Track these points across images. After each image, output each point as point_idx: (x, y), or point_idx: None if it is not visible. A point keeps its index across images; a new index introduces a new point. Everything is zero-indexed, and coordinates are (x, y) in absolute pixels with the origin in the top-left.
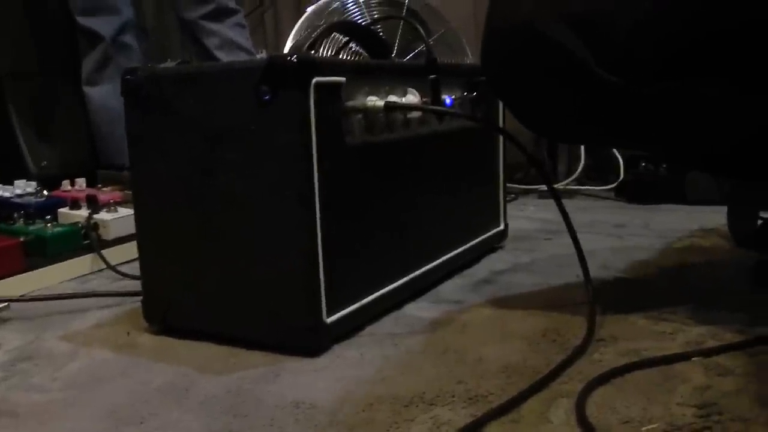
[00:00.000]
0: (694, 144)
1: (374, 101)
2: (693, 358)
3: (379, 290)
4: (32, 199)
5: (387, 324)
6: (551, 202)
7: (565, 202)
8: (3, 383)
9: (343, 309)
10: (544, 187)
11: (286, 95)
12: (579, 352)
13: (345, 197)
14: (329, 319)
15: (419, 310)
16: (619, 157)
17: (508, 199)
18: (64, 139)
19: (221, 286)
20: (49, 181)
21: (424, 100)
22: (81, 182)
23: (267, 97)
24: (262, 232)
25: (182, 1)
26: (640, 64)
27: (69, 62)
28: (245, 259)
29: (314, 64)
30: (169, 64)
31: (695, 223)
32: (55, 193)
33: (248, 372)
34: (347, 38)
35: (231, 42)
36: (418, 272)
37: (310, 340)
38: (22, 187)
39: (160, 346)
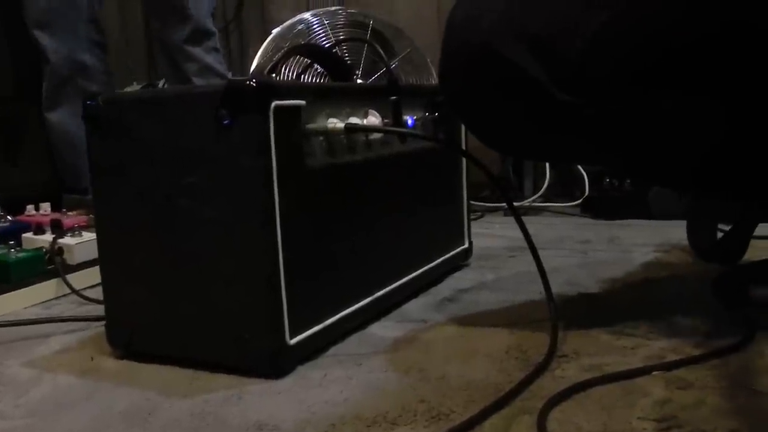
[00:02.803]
0: (651, 160)
1: (335, 123)
2: (654, 373)
3: (342, 311)
4: None
5: (351, 344)
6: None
7: (532, 218)
8: None
9: (306, 330)
10: None
11: (246, 119)
12: (541, 368)
13: (307, 220)
14: (292, 341)
15: (383, 329)
16: (584, 174)
17: (474, 217)
18: (28, 163)
19: (184, 310)
20: (14, 206)
21: (386, 121)
22: (45, 207)
23: (226, 122)
24: (224, 256)
25: (162, 21)
26: (596, 83)
27: (31, 84)
28: (208, 283)
29: (273, 88)
30: (134, 87)
31: (659, 237)
32: (20, 217)
33: (212, 395)
34: (309, 60)
35: (208, 68)
36: (381, 292)
37: (274, 363)
38: None
39: (124, 371)
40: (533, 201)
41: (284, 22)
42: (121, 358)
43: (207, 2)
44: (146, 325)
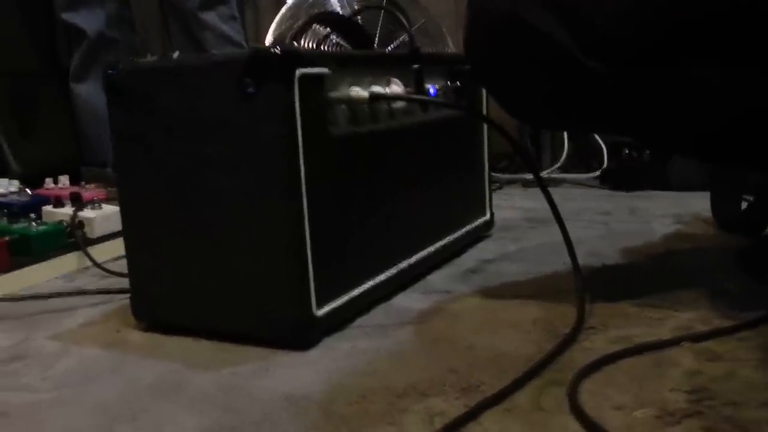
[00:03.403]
0: (679, 128)
1: (358, 92)
2: (683, 344)
3: (368, 282)
4: (16, 198)
5: (377, 315)
6: (536, 190)
7: (551, 190)
8: None
9: (333, 301)
10: (529, 176)
11: (270, 88)
12: (570, 340)
13: (331, 189)
14: (319, 312)
15: (409, 300)
16: (603, 145)
17: (492, 188)
18: (47, 137)
19: (210, 282)
20: (32, 180)
21: (408, 89)
22: (64, 180)
23: (251, 90)
24: (248, 227)
25: None
26: (623, 49)
27: (51, 59)
28: (233, 255)
29: (298, 56)
30: (150, 59)
31: (680, 208)
32: (39, 191)
33: (239, 367)
34: (328, 30)
35: (224, 37)
36: (406, 263)
37: (301, 334)
38: (5, 186)
39: (150, 343)
40: (551, 172)
41: None
42: (147, 330)
43: None
44: (170, 297)
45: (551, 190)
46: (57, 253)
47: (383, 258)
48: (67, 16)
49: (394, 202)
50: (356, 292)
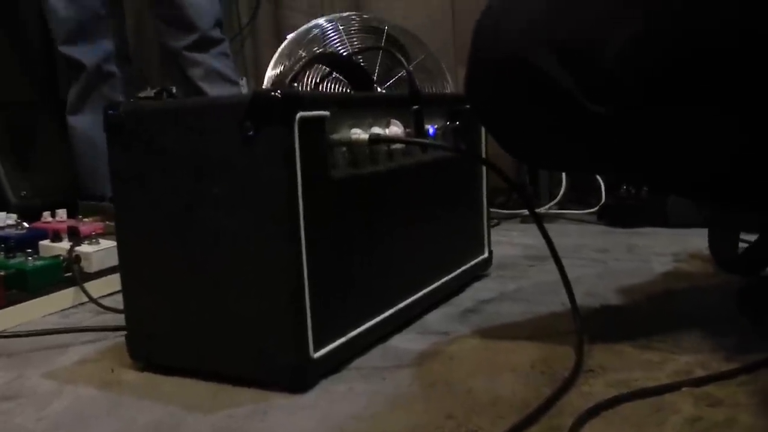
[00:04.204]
0: (679, 170)
1: (359, 134)
2: (683, 389)
3: (365, 323)
4: (13, 232)
5: (374, 357)
6: (534, 227)
7: (548, 226)
8: None
9: (331, 343)
10: (526, 212)
11: (271, 131)
12: (568, 384)
13: (331, 231)
14: (316, 355)
15: (406, 341)
16: (601, 181)
17: (492, 224)
18: (45, 169)
19: (207, 323)
20: (29, 212)
21: (407, 130)
22: (62, 213)
23: (251, 133)
24: (247, 268)
25: (166, 30)
26: (625, 92)
27: (49, 91)
28: (231, 295)
29: (298, 99)
30: (148, 92)
31: (678, 246)
32: (36, 224)
33: (236, 410)
34: (329, 69)
35: (215, 72)
36: (403, 303)
37: (298, 377)
38: (2, 219)
39: (145, 383)
40: (549, 208)
41: (299, 27)
42: (142, 370)
43: (211, 13)
44: (167, 336)
45: (549, 226)
46: (53, 289)
47: (381, 298)
48: (65, 50)
49: (393, 242)
50: (354, 333)
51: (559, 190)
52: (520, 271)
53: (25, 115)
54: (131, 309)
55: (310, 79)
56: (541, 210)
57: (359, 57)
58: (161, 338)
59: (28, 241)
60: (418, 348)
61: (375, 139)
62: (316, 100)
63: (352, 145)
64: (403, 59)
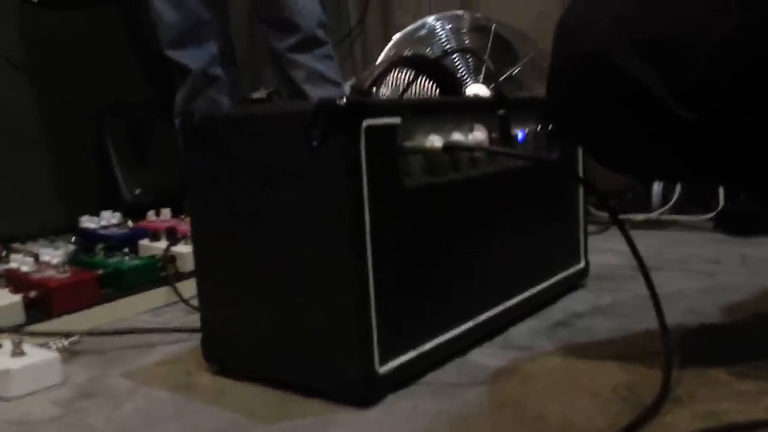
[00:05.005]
0: None
1: (432, 142)
2: None
3: (439, 337)
4: (115, 231)
5: (448, 372)
6: (643, 233)
7: (659, 233)
8: (60, 421)
9: (399, 357)
10: (637, 217)
11: (336, 140)
12: (649, 413)
13: (402, 242)
14: (382, 369)
15: (485, 356)
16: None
17: (598, 230)
18: (158, 169)
19: (276, 330)
20: (142, 210)
21: (493, 135)
22: (166, 213)
23: (316, 142)
24: (313, 278)
25: (270, 32)
26: (719, 96)
27: (164, 93)
28: (299, 304)
29: (364, 107)
30: (261, 93)
31: None
32: (140, 224)
33: (297, 421)
34: (413, 73)
35: (317, 74)
36: (485, 316)
37: (361, 391)
38: (108, 218)
39: (216, 388)
40: (661, 213)
41: (407, 27)
42: (216, 373)
43: (314, 14)
44: (239, 342)
45: (659, 233)
46: (147, 288)
47: (460, 311)
48: (172, 54)
49: (474, 252)
50: (426, 347)
51: (673, 194)
52: (619, 283)
53: (142, 116)
54: (206, 312)
55: (398, 81)
56: (653, 215)
57: (467, 56)
58: (234, 343)
59: (129, 240)
60: (495, 364)
61: (449, 147)
62: (385, 107)
63: (426, 152)
64: (490, 63)
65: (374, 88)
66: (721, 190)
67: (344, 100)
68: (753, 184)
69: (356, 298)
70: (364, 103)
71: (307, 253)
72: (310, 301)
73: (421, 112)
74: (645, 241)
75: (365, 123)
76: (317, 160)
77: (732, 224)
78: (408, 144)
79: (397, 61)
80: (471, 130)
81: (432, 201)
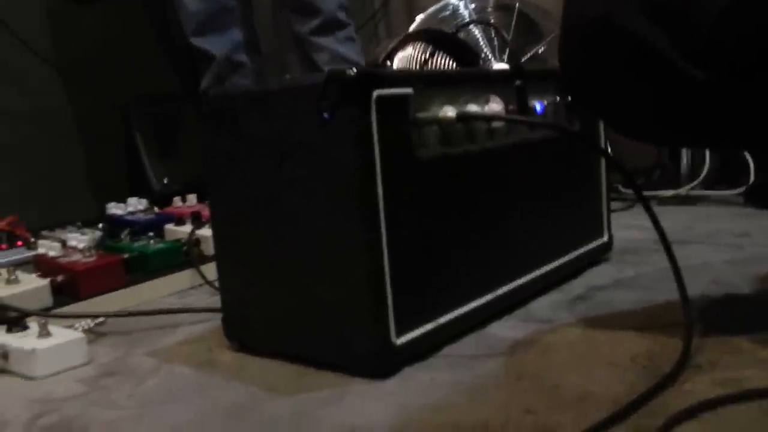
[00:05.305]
0: None
1: (446, 112)
2: None
3: (457, 309)
4: (142, 216)
5: (466, 344)
6: (670, 209)
7: (688, 208)
8: (84, 398)
9: (416, 330)
10: (665, 193)
11: (346, 111)
12: (668, 380)
13: (416, 214)
14: (399, 341)
15: (504, 329)
16: (749, 158)
17: (624, 206)
18: (185, 157)
19: (291, 306)
20: (170, 198)
21: (510, 107)
22: (192, 198)
23: (327, 114)
24: (328, 251)
25: (293, 16)
26: (729, 56)
27: (191, 83)
28: (314, 279)
29: (375, 77)
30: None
31: None
32: (167, 209)
33: (314, 394)
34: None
35: (340, 57)
36: (504, 289)
37: (378, 363)
38: (134, 204)
39: (237, 364)
40: (691, 188)
41: (430, 8)
42: (237, 351)
43: None
44: (257, 319)
45: (689, 208)
46: (172, 270)
47: (478, 283)
48: (196, 41)
49: (492, 225)
50: (443, 320)
51: (703, 168)
52: (643, 257)
53: (170, 106)
54: (226, 290)
55: (418, 56)
56: (682, 190)
57: (491, 32)
58: (252, 320)
59: (155, 225)
60: (514, 336)
61: (463, 117)
62: (396, 77)
63: (441, 123)
64: (505, 34)
65: (388, 62)
66: (751, 164)
67: (354, 70)
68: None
69: (371, 270)
70: (374, 74)
71: (320, 227)
72: (324, 275)
73: (434, 84)
74: (673, 216)
75: (375, 93)
76: (329, 132)
77: (762, 198)
78: (422, 115)
79: (410, 36)
80: (487, 101)
81: (448, 172)
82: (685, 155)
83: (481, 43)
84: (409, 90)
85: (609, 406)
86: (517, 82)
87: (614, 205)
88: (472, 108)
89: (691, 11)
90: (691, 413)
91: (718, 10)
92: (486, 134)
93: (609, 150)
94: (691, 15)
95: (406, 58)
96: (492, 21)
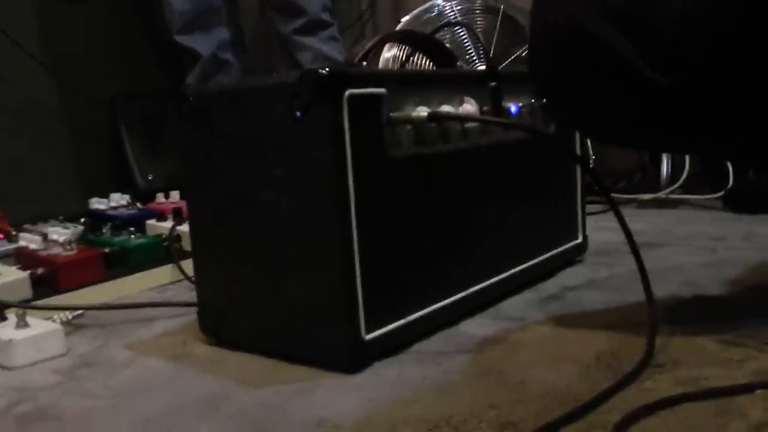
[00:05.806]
0: (755, 143)
1: (419, 112)
2: (756, 391)
3: (428, 307)
4: (124, 212)
5: (436, 341)
6: (651, 212)
7: (668, 212)
8: (60, 388)
9: (385, 326)
10: (645, 196)
11: (319, 109)
12: (629, 378)
13: (389, 211)
14: (368, 337)
15: (474, 327)
16: (728, 163)
17: (603, 209)
18: (170, 154)
19: (265, 301)
20: (154, 195)
21: (484, 108)
22: (175, 195)
23: (300, 112)
24: (300, 248)
25: (276, 16)
26: (690, 61)
27: (177, 81)
28: (286, 275)
29: (347, 77)
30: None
31: None
32: (150, 205)
33: (284, 387)
34: (412, 48)
35: (323, 56)
36: (476, 288)
37: (347, 358)
38: (117, 199)
39: (211, 358)
40: (670, 192)
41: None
42: (212, 344)
43: None
44: (232, 313)
45: (667, 212)
46: (152, 265)
47: (449, 282)
48: (182, 39)
49: (465, 224)
50: (413, 317)
51: (683, 173)
52: (617, 258)
53: (156, 103)
54: (201, 284)
55: (401, 57)
56: (662, 194)
57: (478, 32)
58: (227, 314)
59: (137, 221)
60: (484, 334)
61: (435, 116)
62: (369, 77)
63: (413, 122)
64: (482, 39)
65: (364, 63)
66: (730, 169)
67: (327, 69)
68: (735, 150)
69: (342, 266)
70: (346, 73)
71: (294, 224)
72: (297, 271)
73: (409, 84)
74: (652, 219)
75: (348, 92)
76: (303, 131)
77: (740, 202)
78: (395, 115)
79: (387, 36)
80: (461, 102)
81: (421, 172)
82: (665, 159)
83: (466, 45)
84: (382, 90)
85: (570, 403)
86: (492, 84)
87: (593, 207)
88: (446, 109)
89: (653, 18)
90: (649, 410)
91: (678, 17)
92: (460, 135)
93: (591, 152)
94: (652, 21)
95: (388, 59)
96: (478, 22)
